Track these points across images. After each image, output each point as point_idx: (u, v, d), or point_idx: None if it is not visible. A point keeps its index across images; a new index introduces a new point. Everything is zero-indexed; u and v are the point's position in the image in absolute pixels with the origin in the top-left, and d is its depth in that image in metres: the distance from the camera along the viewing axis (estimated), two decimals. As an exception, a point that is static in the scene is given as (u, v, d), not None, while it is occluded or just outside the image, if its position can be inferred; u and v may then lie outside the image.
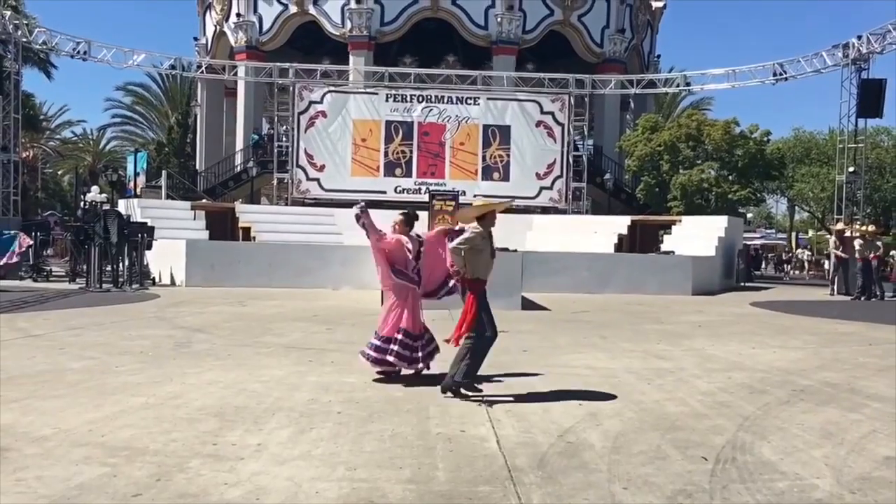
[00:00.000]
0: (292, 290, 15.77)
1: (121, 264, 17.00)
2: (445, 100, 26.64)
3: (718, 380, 6.92)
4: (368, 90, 27.08)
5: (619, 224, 24.28)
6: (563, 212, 26.59)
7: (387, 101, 26.55)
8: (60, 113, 51.89)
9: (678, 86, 28.94)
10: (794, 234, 52.11)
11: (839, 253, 19.51)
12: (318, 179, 26.29)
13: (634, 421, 5.30)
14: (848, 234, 19.77)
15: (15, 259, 17.73)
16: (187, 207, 23.56)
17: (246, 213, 24.03)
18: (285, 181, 26.58)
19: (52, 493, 3.64)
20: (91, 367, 6.97)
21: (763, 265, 36.74)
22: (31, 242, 18.50)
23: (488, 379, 6.42)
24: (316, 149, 26.31)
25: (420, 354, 6.48)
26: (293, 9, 29.83)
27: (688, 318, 12.54)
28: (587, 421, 5.27)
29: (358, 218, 6.40)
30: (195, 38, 35.72)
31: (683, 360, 8.02)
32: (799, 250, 40.36)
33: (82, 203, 26.24)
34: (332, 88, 26.90)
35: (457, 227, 6.41)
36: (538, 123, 26.86)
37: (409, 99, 26.55)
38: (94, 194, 25.81)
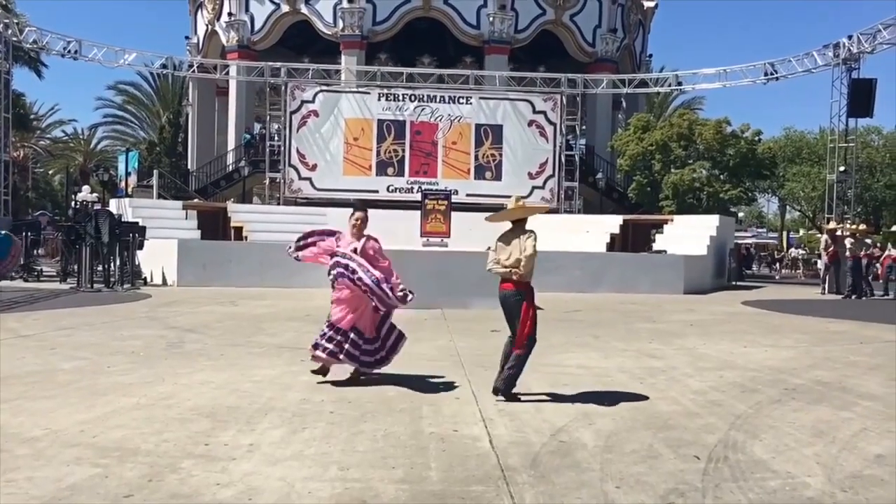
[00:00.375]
0: (284, 290, 15.73)
1: (112, 264, 16.93)
2: (437, 99, 26.62)
3: (710, 379, 6.94)
4: (360, 89, 27.03)
5: (611, 223, 24.31)
6: (555, 211, 26.58)
7: (379, 100, 26.50)
8: (51, 112, 51.71)
9: (670, 85, 29.02)
10: (785, 234, 52.29)
11: (830, 252, 19.57)
12: (310, 179, 26.22)
13: (627, 420, 5.31)
14: (839, 233, 19.85)
15: (9, 267, 17.76)
16: (179, 207, 23.47)
17: (238, 213, 23.96)
18: (277, 180, 26.49)
19: (44, 494, 3.62)
20: (82, 367, 6.94)
21: (756, 264, 36.87)
22: (21, 249, 18.43)
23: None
24: (308, 148, 26.25)
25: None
26: (285, 8, 29.74)
27: (680, 317, 12.58)
28: (580, 420, 5.28)
29: (298, 259, 6.85)
30: (187, 38, 35.62)
31: (675, 359, 8.04)
32: (792, 250, 40.51)
33: (73, 203, 26.17)
34: (323, 88, 26.84)
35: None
36: (530, 123, 26.87)
37: (401, 98, 26.52)
38: (86, 194, 25.75)
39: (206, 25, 32.66)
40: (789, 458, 4.47)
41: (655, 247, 22.24)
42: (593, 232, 23.49)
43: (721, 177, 26.25)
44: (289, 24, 30.36)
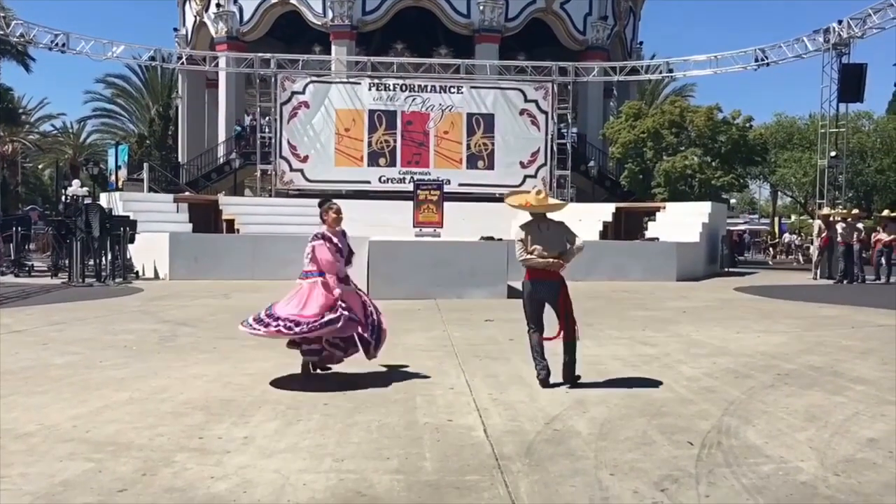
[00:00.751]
0: (277, 282, 15.58)
1: (103, 258, 16.84)
2: (429, 88, 26.54)
3: (703, 365, 6.96)
4: (351, 80, 26.91)
5: (604, 211, 24.33)
6: (550, 201, 26.57)
7: (369, 90, 26.41)
8: (40, 106, 51.39)
9: (661, 72, 28.94)
10: (777, 220, 52.45)
11: (824, 237, 19.62)
12: (301, 170, 26.15)
13: (621, 407, 5.33)
14: (832, 219, 19.90)
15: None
16: (170, 200, 23.38)
17: (229, 206, 23.88)
18: (269, 172, 26.38)
19: (37, 490, 3.61)
20: (75, 362, 6.92)
21: (749, 250, 36.93)
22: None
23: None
24: (299, 139, 26.16)
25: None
26: (273, -2, 29.57)
27: (673, 304, 12.61)
28: (574, 408, 5.29)
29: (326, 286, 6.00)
30: (175, 29, 35.37)
31: (669, 346, 8.07)
32: (786, 235, 40.61)
33: (63, 197, 25.95)
34: (314, 78, 26.72)
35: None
36: (522, 112, 26.83)
37: (392, 88, 26.43)
38: (76, 188, 25.49)
39: (195, 17, 32.43)
40: (782, 443, 4.49)
41: (648, 234, 22.27)
42: (586, 220, 23.43)
43: (713, 164, 26.27)
44: (278, 14, 30.17)
